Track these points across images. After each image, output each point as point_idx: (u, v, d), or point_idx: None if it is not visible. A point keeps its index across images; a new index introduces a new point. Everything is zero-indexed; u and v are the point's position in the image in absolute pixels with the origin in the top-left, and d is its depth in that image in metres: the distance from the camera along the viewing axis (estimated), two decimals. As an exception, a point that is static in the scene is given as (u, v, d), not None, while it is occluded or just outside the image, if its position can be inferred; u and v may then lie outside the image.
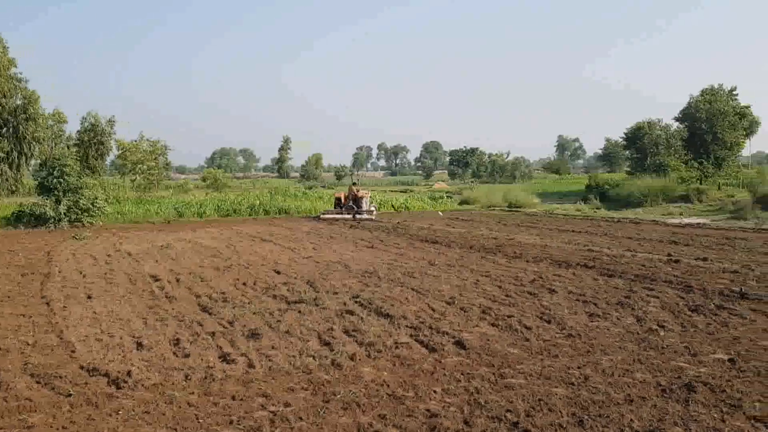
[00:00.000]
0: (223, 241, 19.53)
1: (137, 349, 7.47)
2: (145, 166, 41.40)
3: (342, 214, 29.14)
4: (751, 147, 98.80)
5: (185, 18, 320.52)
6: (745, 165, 56.10)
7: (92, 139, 32.77)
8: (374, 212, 30.31)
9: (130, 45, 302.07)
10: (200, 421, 5.32)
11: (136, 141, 42.83)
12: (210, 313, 9.33)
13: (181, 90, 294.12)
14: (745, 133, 46.75)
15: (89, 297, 10.68)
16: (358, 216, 28.73)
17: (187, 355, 7.16)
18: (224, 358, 7.07)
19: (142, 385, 6.20)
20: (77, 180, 26.44)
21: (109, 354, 7.29)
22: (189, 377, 6.41)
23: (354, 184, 33.06)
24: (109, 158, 42.94)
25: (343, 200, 30.37)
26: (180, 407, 5.61)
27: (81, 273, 13.21)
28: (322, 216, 29.63)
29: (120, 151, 40.55)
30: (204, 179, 63.57)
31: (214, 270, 13.48)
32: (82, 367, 6.81)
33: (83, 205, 25.99)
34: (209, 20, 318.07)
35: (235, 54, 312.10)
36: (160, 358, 7.09)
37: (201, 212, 31.38)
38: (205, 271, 13.27)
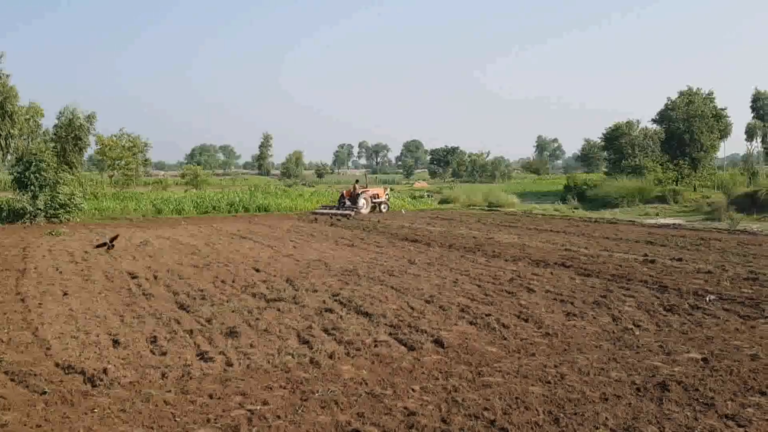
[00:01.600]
0: (202, 238, 19.40)
1: (114, 347, 7.41)
2: (123, 162, 40.97)
3: (334, 210, 30.26)
4: (725, 149, 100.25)
5: (172, 15, 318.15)
6: (720, 167, 56.94)
7: (69, 134, 32.24)
8: (385, 209, 31.62)
9: (128, 40, 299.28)
10: (177, 419, 5.29)
11: (116, 136, 42.37)
12: (188, 311, 9.27)
13: (165, 86, 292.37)
14: (720, 135, 47.42)
15: (65, 294, 10.55)
16: (337, 211, 29.73)
17: (164, 353, 7.12)
18: (202, 356, 7.03)
19: (119, 383, 6.15)
20: (54, 175, 26.08)
21: (84, 351, 7.22)
22: (166, 375, 6.37)
23: (357, 181, 33.90)
24: (88, 153, 42.45)
25: (345, 196, 31.41)
26: (156, 405, 5.57)
27: (57, 269, 13.04)
28: (316, 212, 30.77)
29: (99, 147, 40.06)
30: (183, 176, 62.99)
31: (192, 267, 13.40)
32: (57, 365, 6.74)
33: (60, 200, 25.64)
34: (195, 17, 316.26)
35: (215, 51, 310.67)
36: (136, 356, 7.03)
37: (180, 209, 31.15)
38: (184, 269, 13.18)
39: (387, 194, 33.63)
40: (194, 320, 8.70)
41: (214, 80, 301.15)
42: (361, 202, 30.70)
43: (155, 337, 7.77)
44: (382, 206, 31.98)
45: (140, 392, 5.89)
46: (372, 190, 32.59)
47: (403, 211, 33.65)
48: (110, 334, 7.95)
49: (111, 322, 8.64)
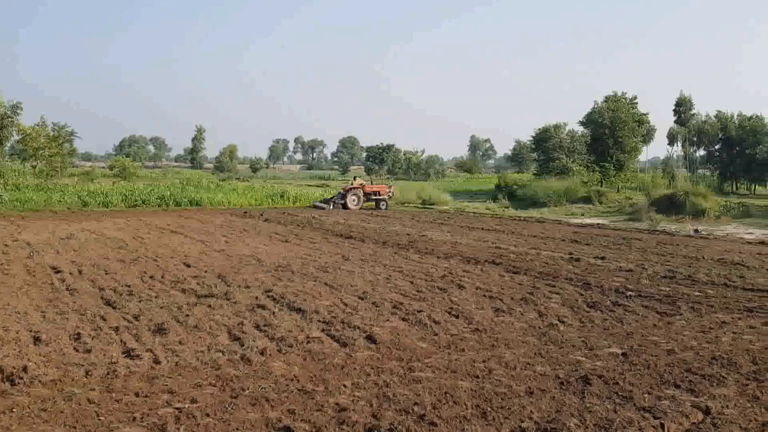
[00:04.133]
0: (130, 232, 18.85)
1: (34, 344, 7.12)
2: (47, 153, 39.35)
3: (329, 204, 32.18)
4: (647, 153, 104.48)
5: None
6: (642, 169, 59.36)
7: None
8: (384, 207, 32.27)
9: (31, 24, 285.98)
10: (101, 418, 5.15)
11: (38, 125, 40.61)
12: (114, 307, 9.01)
13: (88, 74, 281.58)
14: (642, 139, 49.47)
15: (-19, 289, 10.07)
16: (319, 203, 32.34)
17: (88, 351, 6.90)
18: (128, 353, 6.85)
19: (39, 381, 5.93)
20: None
21: (3, 349, 6.90)
22: (90, 373, 6.18)
23: (355, 178, 36.32)
24: (10, 143, 40.50)
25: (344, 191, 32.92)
26: (80, 404, 5.41)
27: (-28, 263, 12.43)
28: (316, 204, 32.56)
29: (21, 137, 38.33)
30: (111, 168, 61.10)
31: (119, 262, 13.01)
32: (-28, 364, 6.43)
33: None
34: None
35: (151, 40, 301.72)
36: (59, 354, 6.79)
37: (107, 202, 30.20)
38: (110, 264, 12.78)
39: (389, 192, 33.85)
40: (120, 316, 8.46)
41: (147, 70, 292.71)
42: (350, 197, 31.86)
43: (79, 333, 7.52)
44: (381, 204, 32.43)
45: (62, 391, 5.71)
46: (372, 187, 33.49)
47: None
48: (31, 331, 7.63)
49: (32, 318, 8.30)
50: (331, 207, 31.48)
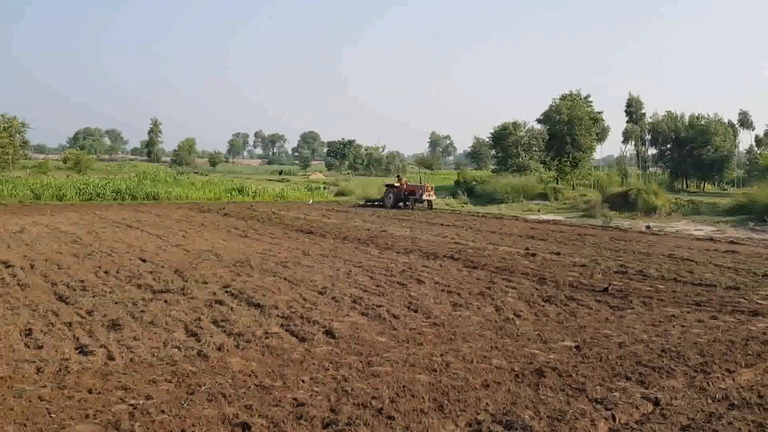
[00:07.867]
0: (85, 226, 18.45)
1: (-17, 341, 6.94)
2: (-3, 144, 38.26)
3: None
4: (602, 151, 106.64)
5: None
6: (597, 167, 60.59)
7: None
8: (423, 205, 31.55)
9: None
10: (53, 415, 5.04)
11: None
12: (67, 302, 8.81)
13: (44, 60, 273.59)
14: (597, 137, 50.54)
15: (-74, 284, 9.75)
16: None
17: (39, 347, 6.74)
18: (81, 349, 6.72)
19: (-12, 379, 5.78)
20: None
21: (-51, 346, 6.71)
22: (41, 370, 6.05)
23: (398, 177, 37.04)
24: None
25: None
26: (30, 402, 5.28)
27: None
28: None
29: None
30: (65, 160, 59.69)
31: (73, 257, 12.72)
32: None
33: None
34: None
35: (111, 28, 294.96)
36: (9, 350, 6.62)
37: (60, 195, 29.53)
38: (63, 258, 12.50)
39: (422, 192, 31.61)
40: (74, 312, 8.28)
41: (105, 60, 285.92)
42: (387, 195, 33.03)
43: (30, 329, 7.35)
44: (416, 203, 31.35)
45: (12, 388, 5.56)
46: (408, 187, 32.96)
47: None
48: (-21, 328, 7.43)
49: (-20, 314, 8.07)
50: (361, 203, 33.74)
